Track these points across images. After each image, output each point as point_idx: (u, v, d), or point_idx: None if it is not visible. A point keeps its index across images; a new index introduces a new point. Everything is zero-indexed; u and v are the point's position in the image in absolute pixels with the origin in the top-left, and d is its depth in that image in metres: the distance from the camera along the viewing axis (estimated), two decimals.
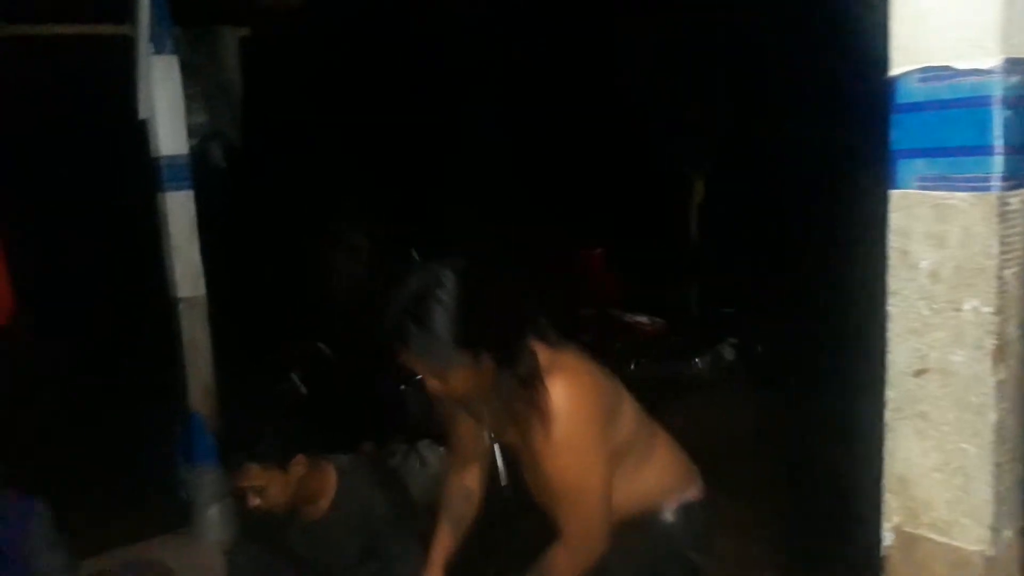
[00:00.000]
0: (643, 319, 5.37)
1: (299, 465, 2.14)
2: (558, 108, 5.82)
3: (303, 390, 4.05)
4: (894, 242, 0.97)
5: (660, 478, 1.81)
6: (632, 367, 5.12)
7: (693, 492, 1.84)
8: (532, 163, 5.92)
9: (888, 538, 1.02)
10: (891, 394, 1.00)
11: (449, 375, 1.51)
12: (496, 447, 1.89)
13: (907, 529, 0.99)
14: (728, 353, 5.70)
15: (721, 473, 3.78)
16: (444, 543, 1.91)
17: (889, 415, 1.00)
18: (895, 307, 0.97)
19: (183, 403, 3.20)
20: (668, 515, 1.79)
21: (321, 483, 2.24)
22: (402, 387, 3.72)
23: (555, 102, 5.75)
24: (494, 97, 5.80)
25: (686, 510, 1.81)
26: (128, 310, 3.81)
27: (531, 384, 1.52)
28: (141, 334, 3.62)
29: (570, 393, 1.54)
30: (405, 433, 3.66)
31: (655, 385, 4.98)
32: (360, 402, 3.87)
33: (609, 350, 5.00)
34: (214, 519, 3.17)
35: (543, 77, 5.68)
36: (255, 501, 2.10)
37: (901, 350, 0.98)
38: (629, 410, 1.75)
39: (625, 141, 6.02)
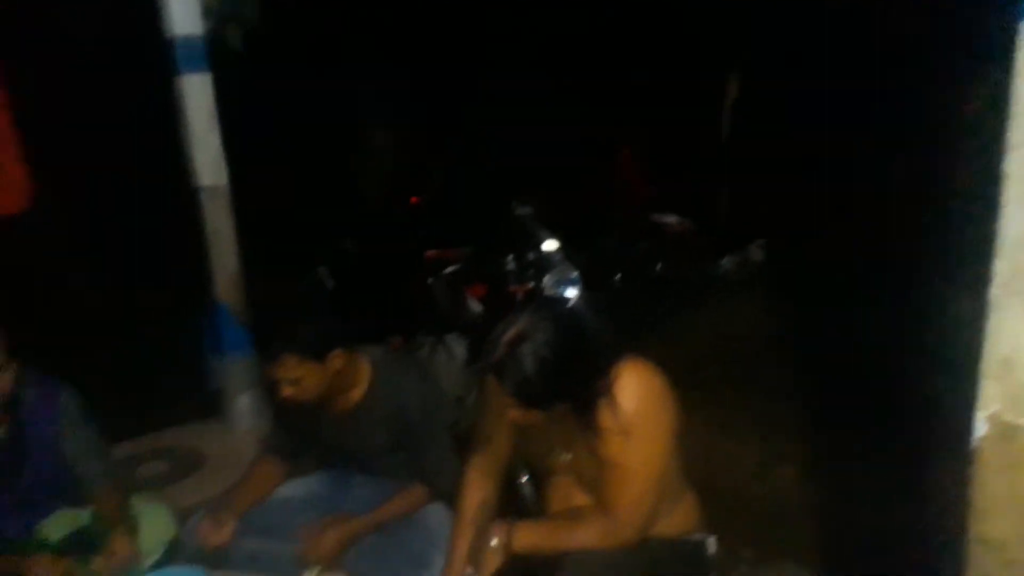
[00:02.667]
0: (670, 219, 5.23)
1: (337, 358, 2.09)
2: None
3: (330, 284, 3.99)
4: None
5: (691, 514, 1.86)
6: (657, 268, 5.03)
7: (705, 535, 1.89)
8: (560, 59, 5.68)
9: (982, 428, 0.93)
10: (1000, 266, 0.89)
11: (534, 412, 1.61)
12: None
13: (1007, 418, 0.90)
14: (757, 254, 5.59)
15: (751, 376, 3.84)
16: (464, 547, 1.88)
17: (995, 291, 0.89)
18: (1013, 163, 0.85)
19: (209, 294, 3.16)
20: (710, 546, 1.86)
21: (354, 375, 2.19)
22: (429, 280, 3.66)
23: None
24: None
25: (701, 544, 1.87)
26: (152, 199, 3.71)
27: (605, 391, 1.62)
28: (166, 224, 3.53)
29: (650, 380, 1.64)
30: (432, 327, 3.62)
31: (681, 287, 4.95)
32: (387, 296, 3.82)
33: (634, 251, 4.91)
34: (244, 408, 3.18)
35: None
36: (289, 391, 2.07)
37: (1017, 216, 0.86)
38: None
39: (654, 37, 5.76)
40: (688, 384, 1.73)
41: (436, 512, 2.17)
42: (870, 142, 4.77)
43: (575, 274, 3.36)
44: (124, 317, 3.85)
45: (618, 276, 4.56)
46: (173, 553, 2.27)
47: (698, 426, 1.90)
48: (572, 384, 1.59)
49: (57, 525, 2.23)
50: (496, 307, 3.34)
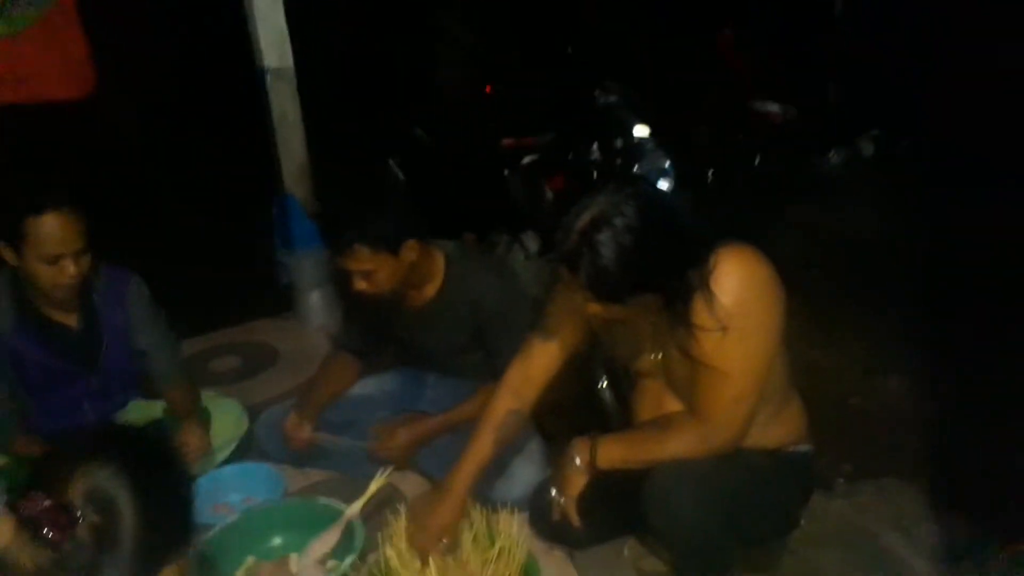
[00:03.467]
0: (774, 107, 4.77)
1: (411, 250, 1.95)
2: None
3: (401, 176, 3.82)
4: None
5: (795, 424, 1.67)
6: (757, 162, 4.64)
7: (809, 447, 1.71)
8: None
9: None
10: None
11: (615, 308, 1.42)
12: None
13: None
14: (867, 148, 5.10)
15: (858, 280, 3.53)
16: (482, 454, 1.70)
17: None
18: None
19: (277, 184, 3.03)
20: (804, 448, 1.68)
21: (429, 269, 2.07)
22: (505, 173, 3.43)
23: None
24: None
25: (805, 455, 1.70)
26: (217, 82, 3.57)
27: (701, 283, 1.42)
28: (232, 109, 3.39)
29: (753, 268, 1.45)
30: (508, 223, 3.40)
31: (783, 181, 4.56)
32: (460, 189, 3.61)
33: (733, 143, 4.53)
34: (316, 304, 3.10)
35: None
36: (361, 285, 1.94)
37: None
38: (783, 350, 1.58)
39: None
40: (788, 288, 1.50)
41: None
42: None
43: (668, 163, 3.07)
44: (194, 210, 3.77)
45: (712, 171, 4.21)
46: (244, 449, 2.22)
47: (798, 332, 1.71)
48: (659, 274, 1.39)
49: (133, 417, 2.20)
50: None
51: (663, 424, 1.57)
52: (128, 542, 0.89)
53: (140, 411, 2.23)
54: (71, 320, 2.05)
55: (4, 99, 2.77)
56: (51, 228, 1.80)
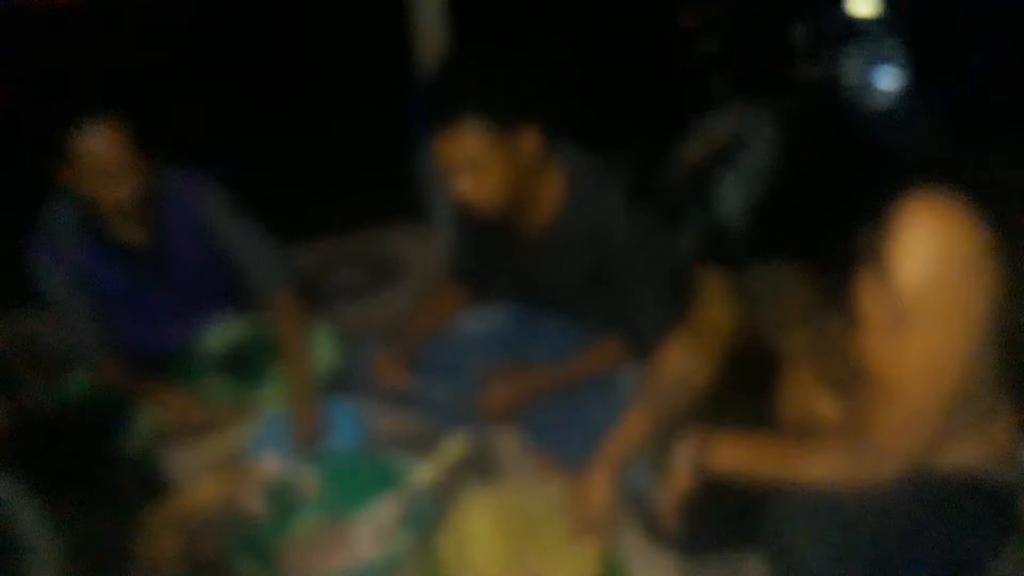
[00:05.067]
0: None
1: (531, 138, 1.54)
2: None
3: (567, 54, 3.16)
4: None
5: (1002, 439, 1.17)
6: None
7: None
8: None
9: None
10: None
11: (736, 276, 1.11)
12: None
13: None
14: None
15: None
16: (632, 430, 1.40)
17: None
18: None
19: (411, 72, 2.65)
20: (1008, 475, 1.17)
21: (548, 181, 1.68)
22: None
23: None
24: None
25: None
26: None
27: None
28: None
29: (954, 234, 0.96)
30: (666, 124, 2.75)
31: None
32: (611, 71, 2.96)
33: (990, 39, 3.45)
34: (451, 209, 2.76)
35: None
36: (466, 183, 1.54)
37: None
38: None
39: None
40: None
41: (633, 377, 1.65)
42: None
43: (898, 54, 2.30)
44: (311, 96, 3.47)
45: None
46: (334, 382, 1.98)
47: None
48: (806, 236, 0.97)
49: (220, 337, 2.03)
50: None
51: (812, 433, 1.18)
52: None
53: (231, 330, 2.05)
54: (139, 236, 1.88)
55: None
56: (93, 144, 1.64)
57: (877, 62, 2.31)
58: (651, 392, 1.42)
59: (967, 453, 1.13)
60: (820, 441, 1.15)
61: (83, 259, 1.85)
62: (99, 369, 1.92)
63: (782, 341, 1.19)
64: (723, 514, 1.24)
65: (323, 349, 2.02)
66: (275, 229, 1.98)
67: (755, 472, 1.15)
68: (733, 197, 0.92)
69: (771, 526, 1.12)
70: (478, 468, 1.73)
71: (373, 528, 1.51)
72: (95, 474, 1.68)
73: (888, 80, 2.27)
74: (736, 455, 1.18)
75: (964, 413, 1.07)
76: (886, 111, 2.21)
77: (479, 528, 1.34)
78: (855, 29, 2.41)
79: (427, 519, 1.46)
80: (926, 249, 0.94)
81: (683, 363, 1.39)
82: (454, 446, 1.54)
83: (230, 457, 1.86)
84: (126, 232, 1.86)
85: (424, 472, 1.54)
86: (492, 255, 1.88)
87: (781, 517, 1.11)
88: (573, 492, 1.45)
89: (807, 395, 1.21)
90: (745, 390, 1.36)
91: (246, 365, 2.00)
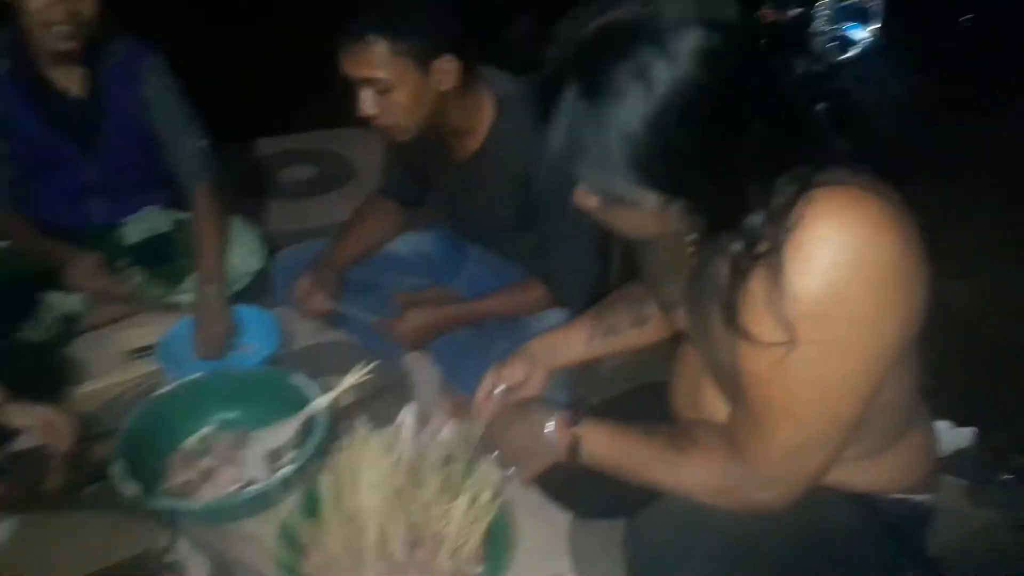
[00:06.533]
0: None
1: (447, 70, 1.42)
2: None
3: None
4: None
5: (913, 459, 1.03)
6: None
7: (928, 496, 1.06)
8: None
9: None
10: None
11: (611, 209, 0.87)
12: None
13: None
14: None
15: None
16: (565, 336, 1.28)
17: None
18: None
19: None
20: (921, 497, 1.04)
21: (474, 110, 1.54)
22: None
23: None
24: None
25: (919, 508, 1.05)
26: None
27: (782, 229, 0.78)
28: None
29: (867, 230, 0.76)
30: None
31: None
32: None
33: None
34: None
35: None
36: (370, 106, 1.42)
37: None
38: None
39: None
40: None
41: (554, 323, 1.56)
42: None
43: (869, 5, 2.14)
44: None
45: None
46: (258, 287, 1.92)
47: None
48: (691, 186, 0.78)
49: (139, 226, 1.93)
50: None
51: (688, 435, 0.98)
52: None
53: (151, 220, 1.94)
54: (73, 86, 1.77)
55: None
56: None
57: (852, 9, 2.14)
58: (601, 310, 1.27)
59: (872, 474, 0.99)
60: (699, 447, 0.96)
61: (5, 99, 1.74)
62: (4, 222, 1.83)
63: (674, 318, 1.06)
64: (609, 483, 1.07)
65: (249, 253, 1.95)
66: (232, 124, 1.88)
67: (625, 474, 1.02)
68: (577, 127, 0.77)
69: (632, 534, 1.02)
70: (395, 396, 1.69)
71: (265, 450, 1.46)
72: None
73: (859, 32, 2.12)
74: (605, 452, 1.03)
75: (871, 433, 0.92)
76: (846, 63, 2.06)
77: (367, 470, 1.28)
78: None
79: (319, 450, 1.40)
80: (832, 249, 0.75)
81: (642, 299, 1.24)
82: (361, 374, 1.45)
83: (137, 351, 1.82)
84: (63, 77, 1.75)
85: (326, 399, 1.48)
86: (420, 176, 1.78)
87: (645, 525, 1.00)
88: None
89: (695, 381, 1.07)
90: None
91: (166, 263, 1.91)
